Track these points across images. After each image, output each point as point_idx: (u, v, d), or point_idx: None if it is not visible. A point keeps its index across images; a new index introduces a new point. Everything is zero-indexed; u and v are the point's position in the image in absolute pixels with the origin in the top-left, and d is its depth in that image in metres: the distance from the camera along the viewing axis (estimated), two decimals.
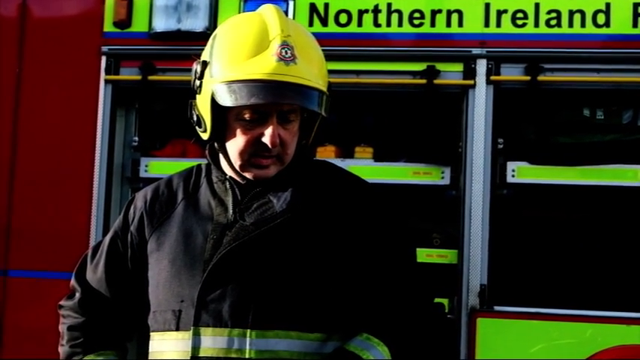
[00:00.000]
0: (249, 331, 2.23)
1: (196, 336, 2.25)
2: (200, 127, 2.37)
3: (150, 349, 2.39)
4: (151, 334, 2.39)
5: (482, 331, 4.80)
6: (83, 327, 2.49)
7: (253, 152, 2.31)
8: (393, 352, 2.25)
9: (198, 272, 2.29)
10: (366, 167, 5.11)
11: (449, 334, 2.41)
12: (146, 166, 5.36)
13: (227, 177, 2.40)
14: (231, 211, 2.35)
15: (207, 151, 2.44)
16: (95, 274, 2.51)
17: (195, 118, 2.38)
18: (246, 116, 2.28)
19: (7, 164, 5.27)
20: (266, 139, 2.28)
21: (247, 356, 2.22)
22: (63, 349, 2.50)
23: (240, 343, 2.23)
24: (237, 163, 2.34)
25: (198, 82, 2.35)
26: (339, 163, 4.93)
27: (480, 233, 4.89)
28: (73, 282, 2.55)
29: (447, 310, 4.89)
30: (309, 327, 2.25)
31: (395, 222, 2.43)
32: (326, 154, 5.17)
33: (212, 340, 2.24)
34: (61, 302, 2.57)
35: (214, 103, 2.29)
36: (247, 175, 2.35)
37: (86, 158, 5.21)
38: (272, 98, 2.24)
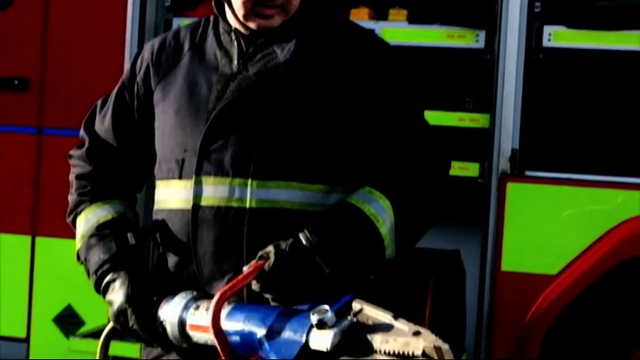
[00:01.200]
0: (250, 180, 2.24)
1: (198, 185, 2.27)
2: None
3: (155, 198, 2.43)
4: (156, 182, 2.42)
5: (512, 196, 4.77)
6: (91, 176, 2.52)
7: (257, 1, 2.28)
8: (395, 205, 2.23)
9: (201, 122, 2.30)
10: (399, 30, 5.00)
11: (452, 192, 2.39)
12: (179, 25, 5.32)
13: (233, 28, 2.38)
14: (235, 62, 2.34)
15: (213, 2, 2.42)
16: (103, 124, 2.53)
17: None
18: None
19: (40, 27, 5.26)
20: None
21: (248, 205, 2.23)
22: (72, 198, 2.54)
23: (241, 193, 2.24)
24: (240, 13, 2.31)
25: None
26: (372, 25, 4.85)
27: (512, 97, 4.80)
28: (82, 132, 2.58)
29: (477, 175, 4.89)
30: (310, 178, 2.25)
31: (404, 77, 2.40)
32: (359, 15, 5.07)
33: (213, 189, 2.26)
34: (71, 152, 2.60)
35: None
36: (251, 25, 2.32)
37: (118, 18, 5.17)
38: None
